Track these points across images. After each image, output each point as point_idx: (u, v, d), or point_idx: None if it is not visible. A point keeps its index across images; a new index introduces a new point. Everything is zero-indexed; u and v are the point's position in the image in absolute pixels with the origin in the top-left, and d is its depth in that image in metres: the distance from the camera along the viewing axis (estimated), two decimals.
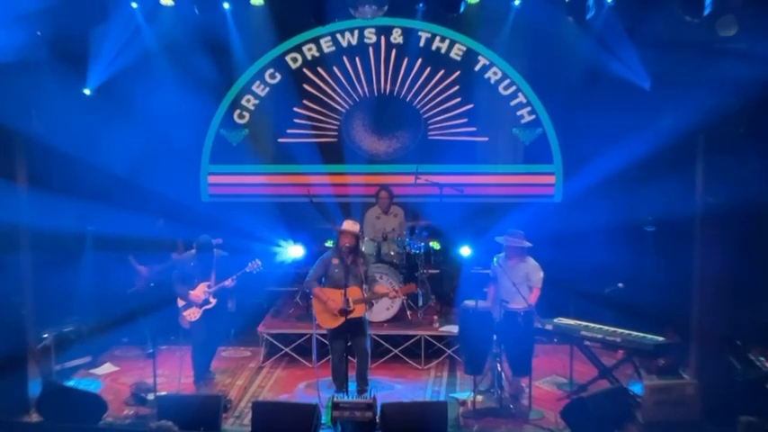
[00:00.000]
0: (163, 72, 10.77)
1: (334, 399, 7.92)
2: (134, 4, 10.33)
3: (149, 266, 10.26)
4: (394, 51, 11.43)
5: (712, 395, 7.96)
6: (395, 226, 10.61)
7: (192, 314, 8.96)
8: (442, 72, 11.43)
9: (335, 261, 8.67)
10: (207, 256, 8.97)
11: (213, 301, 8.96)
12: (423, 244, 10.61)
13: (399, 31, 11.36)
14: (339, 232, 8.72)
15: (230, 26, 10.89)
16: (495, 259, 8.83)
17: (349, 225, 8.69)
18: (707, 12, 8.46)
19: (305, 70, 11.56)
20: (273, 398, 8.82)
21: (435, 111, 11.54)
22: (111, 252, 10.35)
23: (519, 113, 11.48)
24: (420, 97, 11.52)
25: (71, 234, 10.26)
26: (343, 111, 11.64)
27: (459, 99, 11.48)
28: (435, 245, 10.87)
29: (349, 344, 8.70)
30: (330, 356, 8.90)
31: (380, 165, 11.66)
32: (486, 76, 11.44)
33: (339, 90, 11.58)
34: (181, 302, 9.02)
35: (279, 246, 11.72)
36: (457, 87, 11.46)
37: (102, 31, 10.11)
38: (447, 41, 11.37)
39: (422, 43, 11.39)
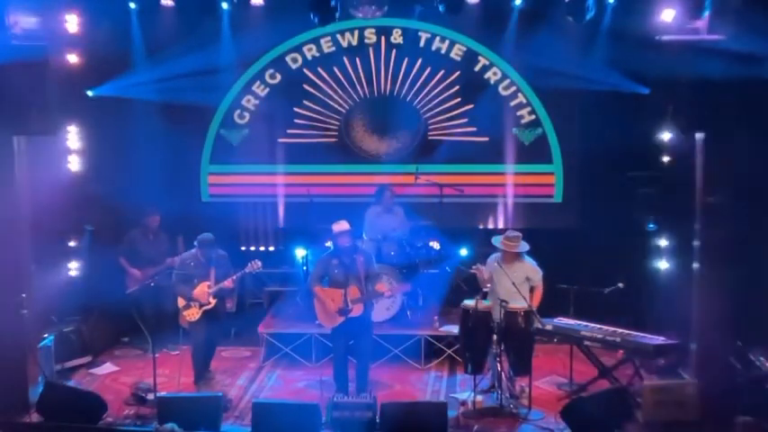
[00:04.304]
0: (162, 72, 10.75)
1: (335, 399, 7.93)
2: (132, 5, 10.33)
3: (144, 269, 10.22)
4: (394, 51, 11.41)
5: (712, 395, 7.96)
6: (395, 225, 10.61)
7: (192, 314, 8.97)
8: (442, 72, 11.42)
9: (335, 262, 8.69)
10: (208, 252, 8.98)
11: (213, 301, 8.97)
12: (423, 244, 10.62)
13: (399, 32, 11.36)
14: (335, 235, 8.73)
15: (229, 26, 10.88)
16: (493, 257, 8.82)
17: (341, 226, 8.69)
18: (706, 12, 8.47)
19: (305, 70, 11.54)
20: (273, 398, 8.82)
21: (435, 111, 11.53)
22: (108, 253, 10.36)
23: (519, 113, 11.47)
24: (420, 97, 11.51)
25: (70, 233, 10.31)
26: (343, 111, 11.63)
27: (459, 99, 11.46)
28: (435, 245, 10.86)
29: (351, 342, 8.71)
30: (331, 356, 8.93)
31: (380, 165, 11.64)
32: (486, 76, 11.43)
33: (339, 90, 11.57)
34: (181, 302, 9.02)
35: (279, 246, 11.74)
36: (457, 87, 11.44)
37: (102, 31, 10.10)
38: (447, 41, 11.37)
39: (422, 43, 11.39)
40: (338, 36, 11.42)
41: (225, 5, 10.28)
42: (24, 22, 8.73)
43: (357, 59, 11.49)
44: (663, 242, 10.29)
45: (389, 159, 11.65)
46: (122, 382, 9.29)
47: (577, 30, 10.25)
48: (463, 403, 8.53)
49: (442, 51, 11.39)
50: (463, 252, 10.67)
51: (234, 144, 11.76)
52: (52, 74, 8.95)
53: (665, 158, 10.34)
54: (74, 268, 10.33)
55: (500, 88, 11.44)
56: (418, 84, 11.47)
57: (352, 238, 8.70)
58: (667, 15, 9.17)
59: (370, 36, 11.43)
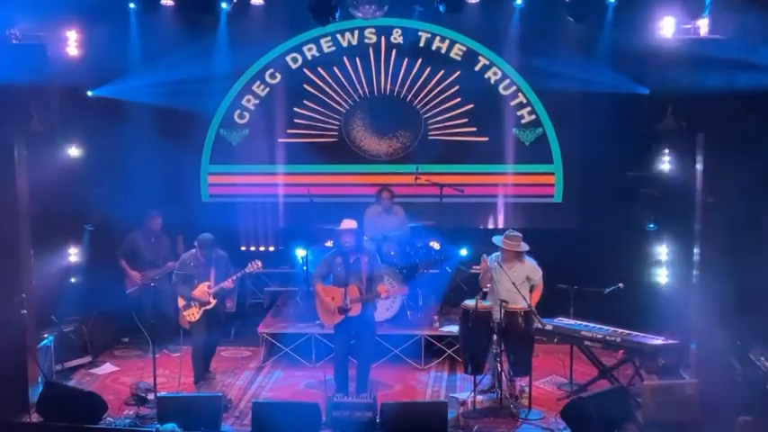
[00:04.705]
0: (162, 72, 10.75)
1: (334, 398, 7.93)
2: (132, 5, 10.34)
3: (144, 272, 10.21)
4: (394, 51, 11.40)
5: (712, 395, 7.96)
6: (395, 225, 10.61)
7: (192, 314, 8.97)
8: (442, 72, 11.41)
9: (338, 260, 8.70)
10: (208, 253, 8.99)
11: (213, 301, 8.97)
12: (423, 244, 10.61)
13: (399, 31, 11.35)
14: (339, 232, 8.74)
15: (229, 26, 10.88)
16: (493, 257, 8.82)
17: (347, 224, 8.71)
18: (706, 13, 8.48)
19: (305, 70, 11.54)
20: (273, 398, 8.82)
21: (435, 111, 11.52)
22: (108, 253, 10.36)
23: (519, 113, 11.47)
24: (420, 97, 11.50)
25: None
26: (343, 111, 11.63)
27: (459, 99, 11.46)
28: (435, 245, 10.86)
29: (352, 341, 8.71)
30: (331, 356, 8.93)
31: (380, 165, 11.64)
32: (486, 76, 11.43)
33: (339, 90, 11.56)
34: (181, 302, 9.03)
35: (279, 246, 11.73)
36: (457, 87, 11.43)
37: (101, 31, 10.10)
38: (447, 41, 11.36)
39: (422, 43, 11.38)
40: (338, 36, 11.41)
41: (224, 5, 10.29)
42: (24, 23, 8.73)
43: (357, 59, 11.48)
44: (663, 242, 10.29)
45: (389, 159, 11.65)
46: (122, 382, 9.30)
47: (578, 29, 10.26)
48: (463, 403, 8.53)
49: (442, 51, 11.39)
50: (463, 252, 10.66)
51: (234, 144, 11.75)
52: (52, 75, 8.95)
53: (665, 158, 10.34)
54: (74, 268, 10.33)
55: (500, 88, 11.43)
56: (418, 84, 11.47)
57: (355, 238, 8.69)
58: (668, 15, 9.18)
59: (370, 36, 11.43)
